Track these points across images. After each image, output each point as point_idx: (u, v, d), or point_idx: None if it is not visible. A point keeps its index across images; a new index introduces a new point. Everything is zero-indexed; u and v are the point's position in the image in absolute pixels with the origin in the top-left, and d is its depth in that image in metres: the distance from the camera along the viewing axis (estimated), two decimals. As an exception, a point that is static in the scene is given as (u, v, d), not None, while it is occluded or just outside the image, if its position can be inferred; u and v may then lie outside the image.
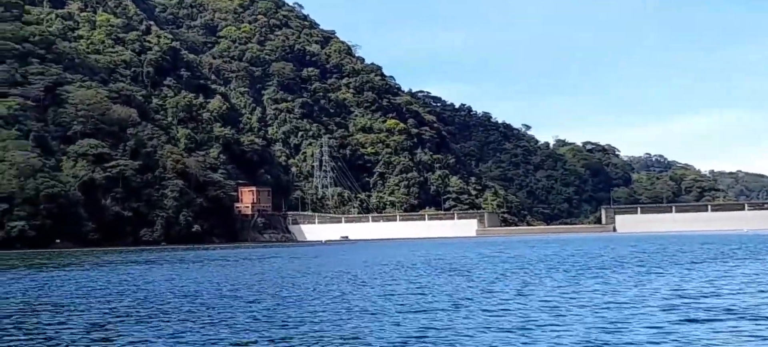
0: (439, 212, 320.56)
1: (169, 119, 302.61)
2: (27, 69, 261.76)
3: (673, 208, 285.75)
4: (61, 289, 57.93)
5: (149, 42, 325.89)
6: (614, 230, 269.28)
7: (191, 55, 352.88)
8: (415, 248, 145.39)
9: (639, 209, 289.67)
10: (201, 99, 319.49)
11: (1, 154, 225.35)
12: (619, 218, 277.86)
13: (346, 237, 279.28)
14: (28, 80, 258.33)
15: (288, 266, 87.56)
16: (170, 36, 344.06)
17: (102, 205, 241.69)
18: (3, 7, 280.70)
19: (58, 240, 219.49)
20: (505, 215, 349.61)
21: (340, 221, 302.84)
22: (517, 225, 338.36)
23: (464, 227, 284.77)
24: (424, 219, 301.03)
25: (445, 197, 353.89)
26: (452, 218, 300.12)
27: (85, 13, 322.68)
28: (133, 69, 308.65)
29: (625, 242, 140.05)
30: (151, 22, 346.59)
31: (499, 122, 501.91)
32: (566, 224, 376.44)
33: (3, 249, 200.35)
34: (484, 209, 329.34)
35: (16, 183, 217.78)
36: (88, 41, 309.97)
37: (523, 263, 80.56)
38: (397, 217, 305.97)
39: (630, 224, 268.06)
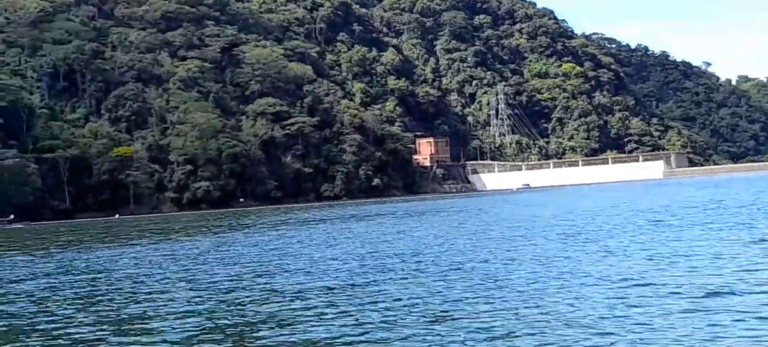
0: (622, 155, 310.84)
1: (344, 74, 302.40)
2: (203, 32, 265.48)
3: None
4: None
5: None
6: None
7: (362, 10, 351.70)
8: (635, 192, 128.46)
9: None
10: (374, 53, 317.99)
11: (183, 116, 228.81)
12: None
13: (528, 185, 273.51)
14: (204, 43, 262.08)
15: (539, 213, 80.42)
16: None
17: (282, 162, 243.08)
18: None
19: (241, 199, 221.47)
20: (690, 156, 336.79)
21: (520, 169, 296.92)
22: (702, 165, 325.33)
23: (650, 170, 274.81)
24: (608, 163, 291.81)
25: (626, 139, 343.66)
26: (637, 160, 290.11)
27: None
28: (306, 26, 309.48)
29: None
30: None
31: (678, 60, 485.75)
32: (754, 162, 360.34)
33: (190, 210, 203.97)
34: (668, 150, 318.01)
35: (198, 145, 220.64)
36: (261, 1, 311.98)
37: None
38: (580, 162, 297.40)
39: None
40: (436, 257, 38.73)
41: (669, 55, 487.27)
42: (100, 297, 31.74)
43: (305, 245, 52.75)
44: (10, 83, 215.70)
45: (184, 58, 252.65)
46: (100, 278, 39.32)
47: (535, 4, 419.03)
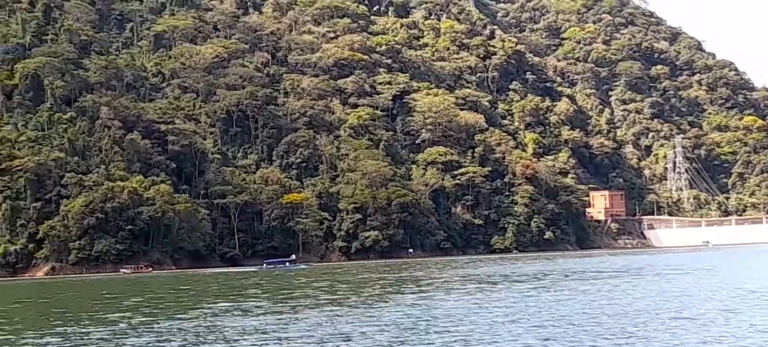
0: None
1: (516, 123, 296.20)
2: (375, 79, 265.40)
3: None
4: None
5: (493, 46, 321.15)
6: None
7: (536, 58, 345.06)
8: None
9: None
10: (547, 102, 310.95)
11: (353, 164, 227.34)
12: None
13: (707, 243, 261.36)
14: (376, 90, 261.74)
15: None
16: (514, 40, 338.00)
17: (452, 213, 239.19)
18: (351, 19, 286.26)
19: (410, 250, 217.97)
20: None
21: (700, 226, 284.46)
22: None
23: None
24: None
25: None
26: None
27: (429, 21, 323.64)
28: (478, 74, 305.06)
29: None
30: (495, 27, 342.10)
31: None
32: None
33: (357, 259, 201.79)
34: None
35: (368, 193, 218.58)
36: (433, 49, 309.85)
37: None
38: (764, 219, 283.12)
39: None
40: None
41: None
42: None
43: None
44: (184, 128, 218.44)
45: (355, 106, 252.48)
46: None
47: (714, 54, 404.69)
